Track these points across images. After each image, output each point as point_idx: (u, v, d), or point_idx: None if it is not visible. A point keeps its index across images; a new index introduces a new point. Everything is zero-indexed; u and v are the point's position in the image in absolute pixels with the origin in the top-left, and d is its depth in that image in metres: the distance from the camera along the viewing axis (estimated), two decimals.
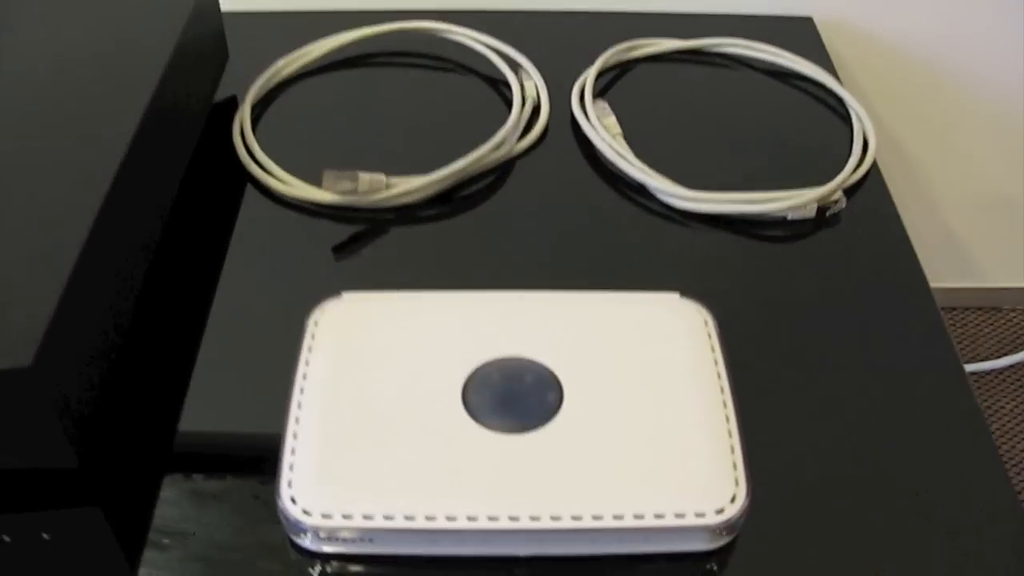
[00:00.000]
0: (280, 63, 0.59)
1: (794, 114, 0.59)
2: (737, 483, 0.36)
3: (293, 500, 0.35)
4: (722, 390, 0.39)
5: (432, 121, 0.57)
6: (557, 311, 0.41)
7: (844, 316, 0.47)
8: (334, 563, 0.36)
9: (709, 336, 0.41)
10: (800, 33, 0.67)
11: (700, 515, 0.35)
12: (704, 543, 0.36)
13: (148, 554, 0.36)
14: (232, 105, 0.57)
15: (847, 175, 0.53)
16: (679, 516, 0.35)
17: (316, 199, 0.50)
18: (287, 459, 0.36)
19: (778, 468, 0.40)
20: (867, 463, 0.40)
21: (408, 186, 0.50)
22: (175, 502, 0.38)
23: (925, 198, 0.84)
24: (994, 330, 0.98)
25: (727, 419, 0.38)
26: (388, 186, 0.50)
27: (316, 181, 0.50)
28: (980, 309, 0.98)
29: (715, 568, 0.37)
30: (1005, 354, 0.95)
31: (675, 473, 0.36)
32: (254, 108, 0.57)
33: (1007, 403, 0.94)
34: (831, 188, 0.52)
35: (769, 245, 0.50)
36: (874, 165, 0.56)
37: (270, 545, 0.37)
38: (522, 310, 0.41)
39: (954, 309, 0.98)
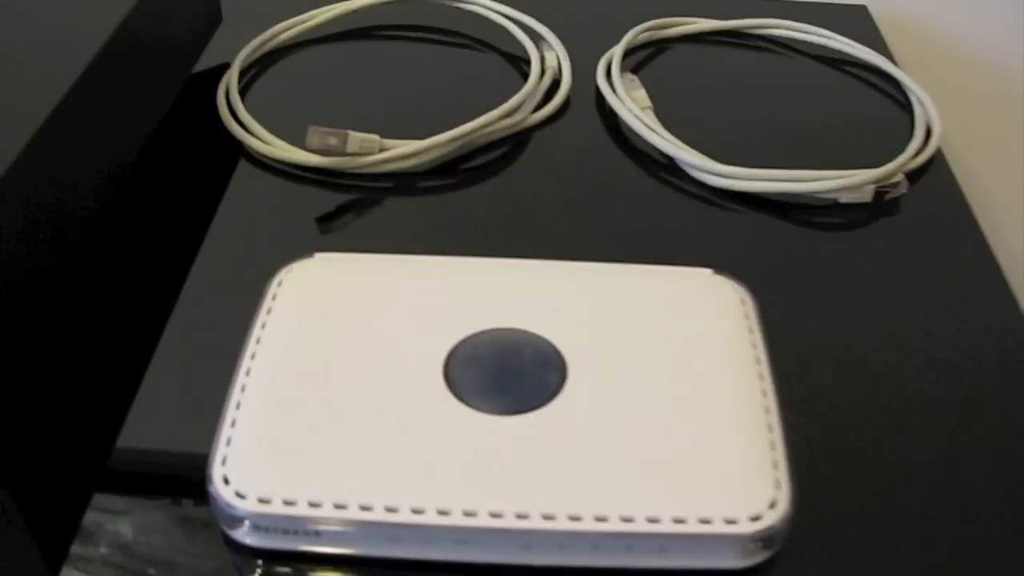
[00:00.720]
0: (278, 27, 0.54)
1: (847, 100, 0.52)
2: (778, 485, 0.29)
3: (226, 480, 0.28)
4: (761, 377, 0.32)
5: (439, 90, 0.51)
6: (564, 281, 0.35)
7: (906, 310, 0.39)
8: (276, 567, 0.29)
9: (747, 317, 0.34)
10: (853, 21, 0.60)
11: (731, 522, 0.28)
12: (734, 558, 0.28)
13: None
14: (225, 70, 0.51)
15: (908, 157, 0.46)
16: (704, 522, 0.28)
17: (300, 161, 0.44)
18: (225, 432, 0.29)
19: (826, 472, 0.33)
20: (932, 470, 0.33)
21: (405, 149, 0.44)
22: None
23: (984, 202, 0.76)
24: None
25: (767, 410, 0.31)
26: (382, 148, 0.44)
27: (302, 143, 0.45)
28: None
29: None
30: None
31: (701, 470, 0.29)
32: (248, 71, 0.52)
33: None
34: (891, 169, 0.45)
35: (817, 232, 0.43)
36: (939, 152, 0.49)
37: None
38: (523, 278, 0.35)
39: None
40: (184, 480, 0.32)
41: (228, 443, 0.29)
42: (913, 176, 0.47)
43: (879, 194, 0.45)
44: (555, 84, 0.51)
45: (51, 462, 0.32)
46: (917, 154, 0.48)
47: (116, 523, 0.30)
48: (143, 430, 0.33)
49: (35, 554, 0.29)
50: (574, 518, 0.27)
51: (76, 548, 0.30)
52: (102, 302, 0.38)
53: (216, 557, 0.29)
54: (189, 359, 0.36)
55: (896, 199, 0.45)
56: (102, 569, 0.29)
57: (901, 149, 0.48)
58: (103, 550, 0.29)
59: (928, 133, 0.50)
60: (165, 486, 0.31)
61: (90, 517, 0.30)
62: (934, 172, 0.47)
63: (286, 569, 0.29)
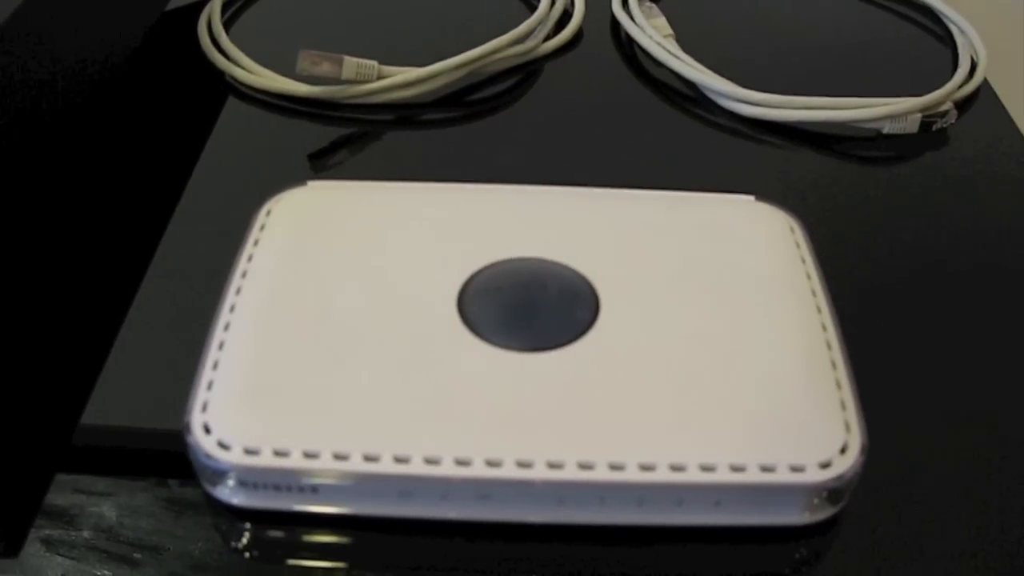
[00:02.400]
0: None
1: (883, 30, 0.48)
2: (848, 428, 0.25)
3: (207, 428, 0.24)
4: (819, 309, 0.28)
5: (443, 14, 0.47)
6: (592, 208, 0.31)
7: (964, 242, 0.35)
8: (265, 529, 0.25)
9: (798, 246, 0.30)
10: None
11: (798, 469, 0.24)
12: (799, 513, 0.25)
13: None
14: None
15: (956, 86, 0.42)
16: (766, 471, 0.24)
17: (289, 91, 0.40)
18: (206, 376, 0.25)
19: (891, 420, 0.29)
20: (1012, 409, 0.29)
21: (405, 77, 0.40)
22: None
23: None
24: None
25: (828, 345, 0.27)
26: (380, 76, 0.40)
27: (291, 72, 0.40)
28: None
29: (805, 555, 0.26)
30: None
31: (760, 412, 0.25)
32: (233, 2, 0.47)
33: None
34: (938, 97, 0.41)
35: (860, 164, 0.39)
36: (985, 83, 0.45)
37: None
38: (546, 205, 0.31)
39: None
40: (170, 458, 0.27)
41: (209, 387, 0.25)
42: (960, 107, 0.43)
43: (926, 124, 0.41)
44: (567, 15, 0.47)
45: (15, 421, 0.28)
46: (963, 84, 0.44)
47: (99, 505, 0.26)
48: (120, 397, 0.29)
49: None
50: (616, 467, 0.23)
51: (58, 532, 0.25)
52: (77, 244, 0.34)
53: (205, 540, 0.25)
54: (167, 317, 0.31)
55: (943, 130, 0.41)
56: (86, 554, 0.25)
57: (945, 79, 0.44)
58: (86, 534, 0.25)
59: (973, 65, 0.45)
60: (150, 465, 0.27)
61: (72, 499, 0.26)
62: (982, 103, 0.43)
63: (278, 533, 0.25)
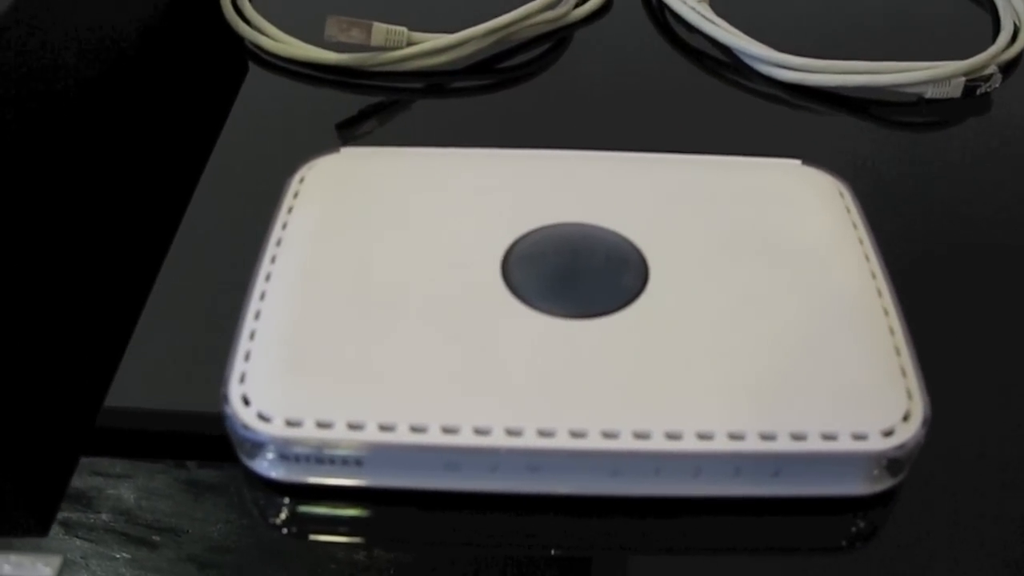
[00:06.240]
0: None
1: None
2: (910, 396, 0.24)
3: (245, 400, 0.23)
4: (874, 275, 0.27)
5: None
6: (637, 173, 0.30)
7: (1009, 208, 0.34)
8: (307, 504, 0.24)
9: (848, 210, 0.29)
10: None
11: (860, 437, 0.23)
12: (863, 483, 0.24)
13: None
14: None
15: (1000, 49, 0.41)
16: (828, 439, 0.23)
17: (317, 59, 0.39)
18: (243, 346, 0.24)
19: (953, 391, 0.28)
20: None
21: (435, 44, 0.39)
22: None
23: None
24: None
25: (885, 311, 0.26)
26: (410, 43, 0.39)
27: (318, 40, 0.39)
28: None
29: (863, 528, 0.25)
30: None
31: (819, 379, 0.24)
32: None
33: None
34: (983, 60, 0.40)
35: (903, 129, 0.38)
36: None
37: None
38: (590, 170, 0.30)
39: None
40: (190, 440, 0.26)
41: (247, 358, 0.24)
42: (1004, 71, 0.41)
43: (970, 88, 0.40)
44: None
45: (43, 403, 0.27)
46: (1007, 47, 0.42)
47: (118, 488, 0.25)
48: (144, 377, 0.28)
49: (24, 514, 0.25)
50: (673, 436, 0.22)
51: (77, 515, 0.25)
52: (102, 221, 0.33)
53: (224, 522, 0.24)
54: (194, 293, 0.31)
55: (987, 94, 0.40)
56: (104, 536, 0.24)
57: (986, 46, 0.43)
58: (105, 516, 0.25)
59: (1016, 30, 0.44)
60: (170, 447, 0.26)
61: (91, 481, 0.25)
62: None
63: (320, 509, 0.24)
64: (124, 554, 0.24)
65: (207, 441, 0.26)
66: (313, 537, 0.24)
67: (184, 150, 0.36)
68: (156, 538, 0.24)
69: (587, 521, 0.24)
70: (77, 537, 0.24)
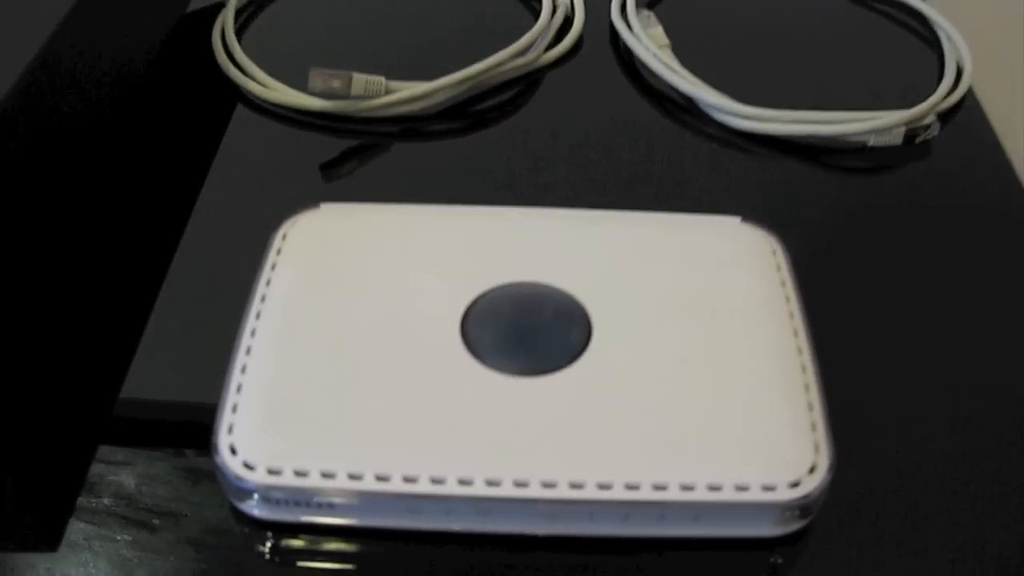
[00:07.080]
0: None
1: (874, 38, 0.50)
2: (817, 449, 0.27)
3: (233, 450, 0.26)
4: (796, 333, 0.30)
5: (447, 29, 0.48)
6: (585, 231, 0.33)
7: (941, 257, 0.38)
8: (286, 539, 0.28)
9: (778, 268, 0.32)
10: None
11: (769, 488, 0.26)
12: (771, 526, 0.27)
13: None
14: (219, 9, 0.49)
15: (940, 98, 0.44)
16: (741, 489, 0.26)
17: (302, 105, 0.42)
18: (230, 399, 0.28)
19: (863, 436, 0.31)
20: (981, 430, 0.31)
21: (412, 92, 0.42)
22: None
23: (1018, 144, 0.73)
24: None
25: (803, 368, 0.29)
26: (388, 91, 0.42)
27: (303, 86, 0.42)
28: None
29: (780, 562, 0.28)
30: None
31: (736, 434, 0.27)
32: (244, 10, 0.49)
33: None
34: (922, 110, 0.43)
35: (845, 175, 0.41)
36: (970, 92, 0.46)
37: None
38: (542, 228, 0.33)
39: None
40: (187, 429, 0.30)
41: (234, 410, 0.27)
42: (944, 117, 0.44)
43: (910, 137, 0.43)
44: (567, 22, 0.49)
45: (51, 414, 0.30)
46: (948, 94, 0.45)
47: (119, 474, 0.29)
48: (145, 380, 0.32)
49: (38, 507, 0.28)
50: (604, 486, 0.26)
51: (80, 499, 0.28)
52: (98, 255, 0.36)
53: (220, 507, 0.28)
54: (189, 313, 0.34)
55: (927, 141, 0.43)
56: (106, 520, 0.28)
57: (931, 89, 0.46)
58: (106, 501, 0.28)
59: (959, 72, 0.47)
60: (168, 436, 0.30)
61: (93, 468, 0.29)
62: (966, 113, 0.45)
63: (298, 542, 0.28)
64: (125, 536, 0.28)
65: (202, 432, 0.29)
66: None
67: (173, 193, 0.39)
68: (156, 521, 0.28)
69: (530, 555, 0.27)
70: (81, 520, 0.28)
